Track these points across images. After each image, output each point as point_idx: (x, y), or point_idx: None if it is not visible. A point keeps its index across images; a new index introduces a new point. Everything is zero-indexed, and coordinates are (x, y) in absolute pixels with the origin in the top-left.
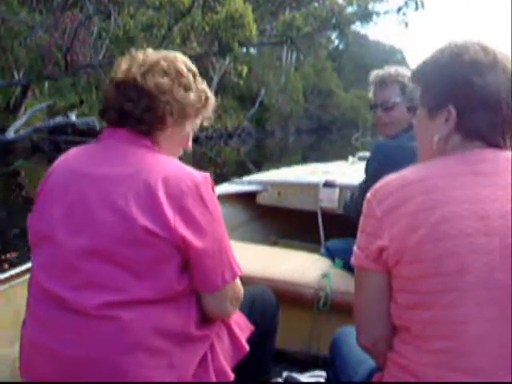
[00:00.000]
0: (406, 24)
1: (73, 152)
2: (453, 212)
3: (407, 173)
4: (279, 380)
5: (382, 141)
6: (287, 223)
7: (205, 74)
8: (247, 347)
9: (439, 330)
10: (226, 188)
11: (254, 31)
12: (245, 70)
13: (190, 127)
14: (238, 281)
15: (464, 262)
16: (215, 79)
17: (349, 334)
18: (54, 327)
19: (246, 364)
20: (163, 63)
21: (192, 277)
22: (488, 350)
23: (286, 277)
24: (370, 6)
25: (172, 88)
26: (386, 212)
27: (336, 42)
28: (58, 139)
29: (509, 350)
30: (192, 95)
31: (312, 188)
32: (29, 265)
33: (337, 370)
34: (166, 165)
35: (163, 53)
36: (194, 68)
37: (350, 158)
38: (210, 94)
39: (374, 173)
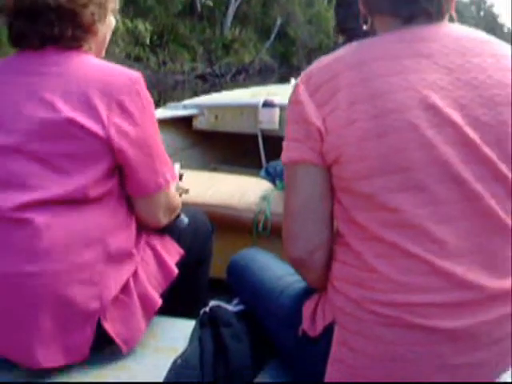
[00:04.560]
0: None
1: None
2: (396, 101)
3: (344, 54)
4: (206, 309)
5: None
6: (227, 148)
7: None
8: (176, 270)
9: (389, 235)
10: (159, 113)
11: None
12: None
13: (112, 15)
14: (172, 190)
15: (412, 158)
16: (231, 7)
17: (250, 256)
18: None
19: (178, 293)
20: None
21: (125, 180)
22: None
23: (223, 201)
24: None
25: None
26: (322, 103)
27: None
28: None
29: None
30: None
31: (251, 109)
32: None
33: (248, 300)
34: (99, 65)
35: None
36: None
37: (293, 80)
38: None
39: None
